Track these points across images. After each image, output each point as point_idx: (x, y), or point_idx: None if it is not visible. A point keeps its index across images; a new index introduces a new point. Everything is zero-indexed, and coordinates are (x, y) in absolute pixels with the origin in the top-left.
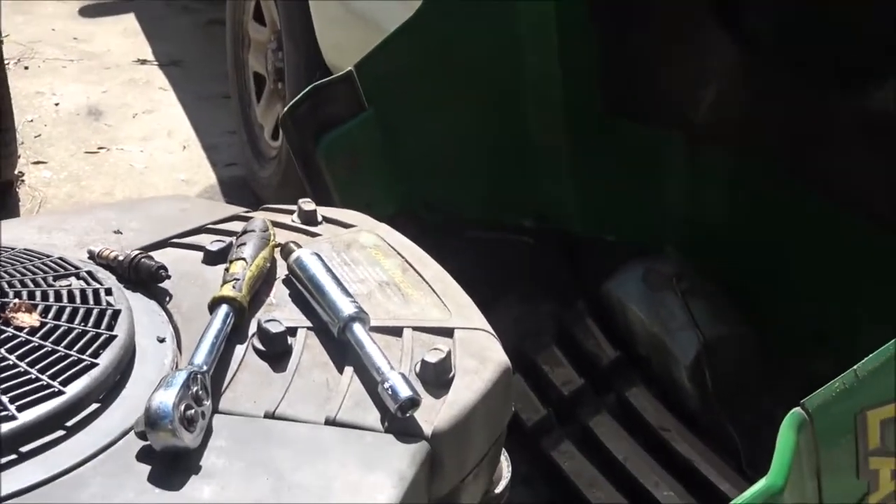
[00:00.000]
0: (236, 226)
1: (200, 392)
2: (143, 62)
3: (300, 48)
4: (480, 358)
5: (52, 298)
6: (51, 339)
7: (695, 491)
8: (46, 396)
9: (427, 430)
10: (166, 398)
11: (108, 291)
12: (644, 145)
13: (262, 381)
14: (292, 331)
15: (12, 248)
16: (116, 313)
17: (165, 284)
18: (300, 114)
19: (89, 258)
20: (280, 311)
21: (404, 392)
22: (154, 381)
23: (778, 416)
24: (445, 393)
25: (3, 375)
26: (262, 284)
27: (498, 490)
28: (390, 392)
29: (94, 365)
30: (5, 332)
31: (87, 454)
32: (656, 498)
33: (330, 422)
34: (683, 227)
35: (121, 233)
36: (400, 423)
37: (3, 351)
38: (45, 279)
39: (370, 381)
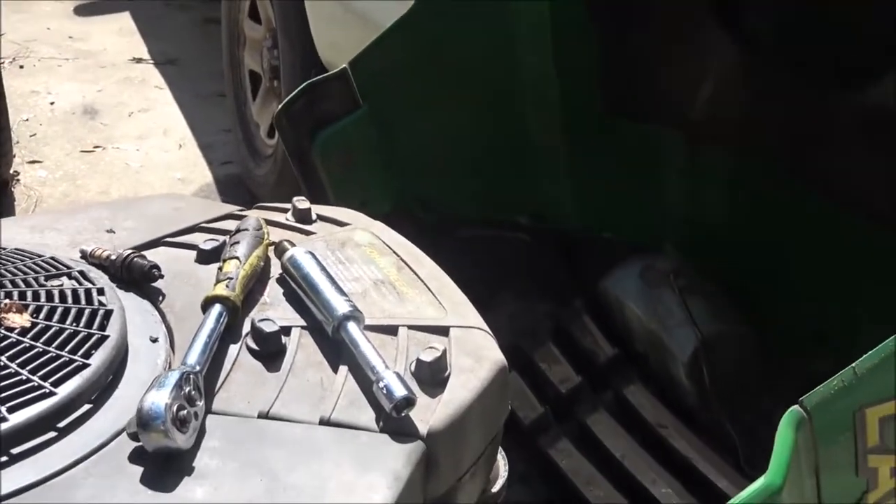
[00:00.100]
0: (230, 224)
1: (193, 392)
2: (139, 61)
3: (296, 46)
4: (476, 356)
5: (43, 298)
6: (42, 340)
7: (693, 488)
8: (38, 398)
9: (422, 429)
10: (158, 399)
11: (101, 291)
12: (643, 145)
13: (255, 380)
14: (286, 330)
15: (4, 248)
16: (109, 313)
17: (158, 284)
18: (295, 111)
19: (81, 258)
20: (274, 310)
21: (399, 391)
22: (147, 381)
23: (776, 413)
24: (441, 392)
25: None
26: (255, 283)
27: (495, 489)
28: (385, 391)
29: (85, 365)
30: None
31: (79, 455)
32: (654, 495)
33: (324, 422)
34: (682, 226)
35: (113, 232)
36: (395, 422)
37: None
38: (36, 279)
39: (365, 380)
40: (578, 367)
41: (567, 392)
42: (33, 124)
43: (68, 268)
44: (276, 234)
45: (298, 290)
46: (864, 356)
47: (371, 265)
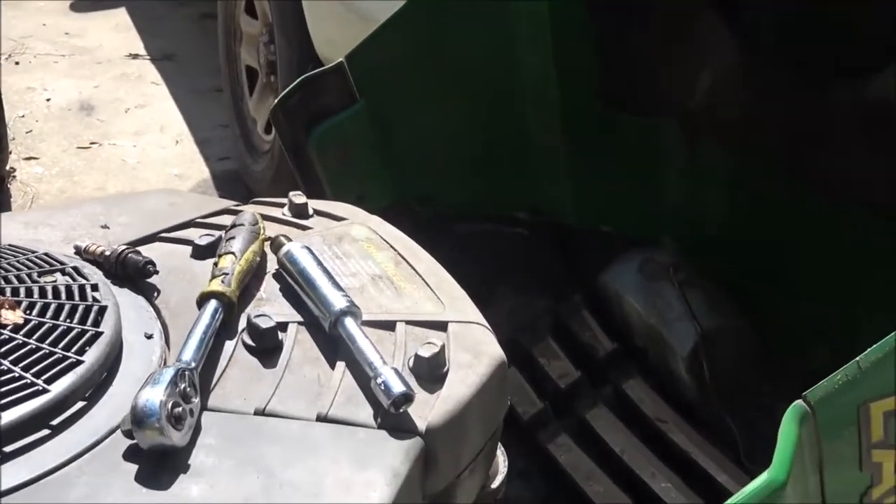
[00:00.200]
0: (226, 220)
1: (188, 389)
2: (135, 57)
3: (292, 42)
4: (475, 352)
5: (36, 295)
6: (35, 337)
7: (692, 483)
8: (31, 395)
9: (421, 425)
10: (153, 396)
11: (95, 287)
12: (642, 140)
13: (251, 377)
14: (283, 326)
15: None
16: (103, 309)
17: (153, 279)
18: (291, 105)
19: (75, 253)
20: (270, 305)
21: (397, 387)
22: (141, 378)
23: (776, 408)
24: (440, 388)
25: None
26: (251, 279)
27: (494, 485)
28: (383, 387)
29: (79, 362)
30: None
31: (72, 453)
32: (654, 490)
33: (321, 418)
34: (681, 222)
35: (108, 227)
36: (393, 418)
37: None
38: (29, 275)
39: (362, 376)
40: (578, 361)
41: (566, 387)
42: (29, 121)
43: (62, 264)
44: (272, 230)
45: (295, 286)
46: (869, 350)
47: (368, 260)
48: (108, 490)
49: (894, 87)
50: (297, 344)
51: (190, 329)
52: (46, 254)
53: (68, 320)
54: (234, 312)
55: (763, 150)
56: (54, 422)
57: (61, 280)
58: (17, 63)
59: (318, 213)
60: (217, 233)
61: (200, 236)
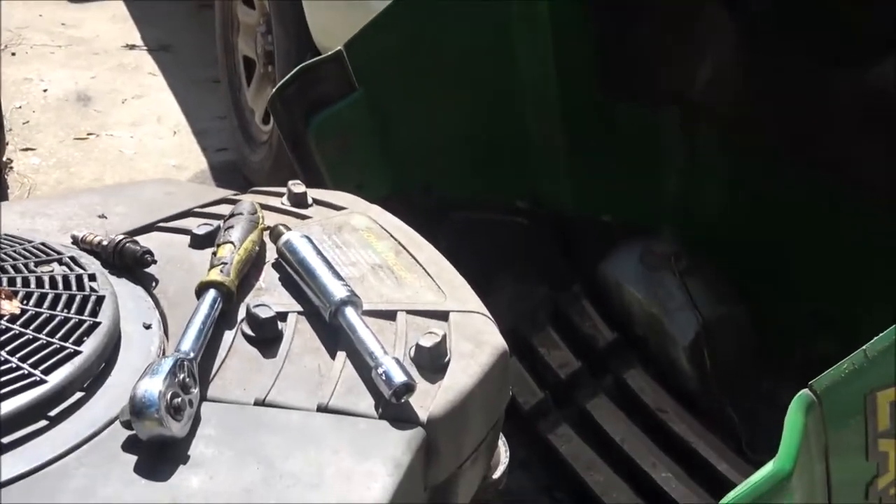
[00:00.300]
0: (224, 209)
1: (188, 379)
2: (132, 47)
3: (290, 32)
4: (476, 341)
5: (33, 285)
6: (32, 327)
7: (693, 472)
8: (28, 386)
9: (422, 415)
10: (152, 386)
11: (92, 277)
12: (642, 130)
13: (251, 367)
14: (282, 316)
15: None
16: (100, 299)
17: (151, 269)
18: (289, 94)
19: (73, 243)
20: (270, 295)
21: (399, 377)
22: (140, 368)
23: (777, 397)
24: (441, 378)
25: None
26: (250, 268)
27: (496, 475)
28: (384, 377)
29: (77, 353)
30: None
31: (70, 444)
32: (654, 479)
33: (322, 408)
34: (680, 213)
35: (105, 217)
36: (394, 409)
37: None
38: (26, 265)
39: (363, 366)
40: (578, 351)
41: (567, 377)
42: (26, 111)
43: (59, 253)
44: (271, 219)
45: (294, 275)
46: (875, 339)
47: (368, 249)
48: (106, 481)
49: (894, 76)
50: (297, 334)
51: (189, 319)
52: (43, 243)
53: (66, 310)
54: (233, 302)
55: (763, 140)
56: (52, 413)
57: (58, 270)
58: (13, 54)
59: (317, 202)
60: (215, 222)
61: (199, 226)
